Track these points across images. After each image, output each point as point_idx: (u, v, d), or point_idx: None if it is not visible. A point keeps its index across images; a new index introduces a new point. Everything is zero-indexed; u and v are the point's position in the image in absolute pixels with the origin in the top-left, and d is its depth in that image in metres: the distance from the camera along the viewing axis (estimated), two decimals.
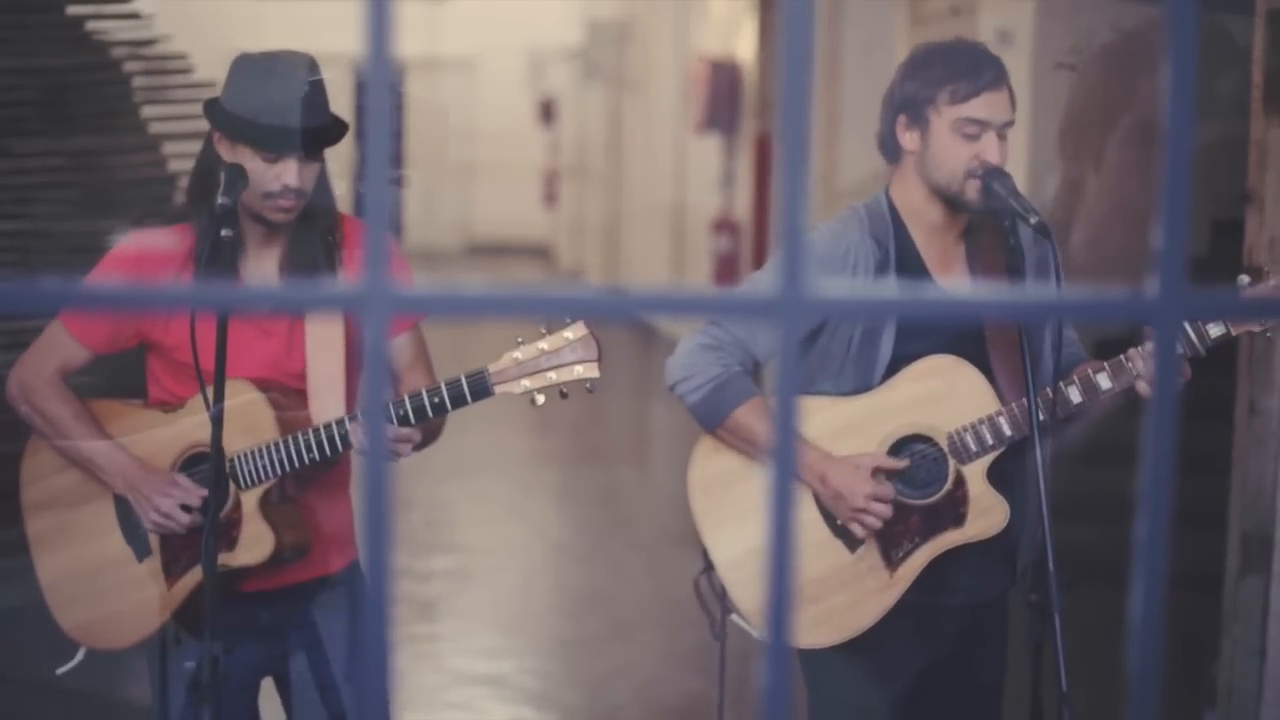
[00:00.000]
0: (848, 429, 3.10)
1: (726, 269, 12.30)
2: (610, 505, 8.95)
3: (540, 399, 2.94)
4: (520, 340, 2.94)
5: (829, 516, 3.11)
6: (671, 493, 9.07)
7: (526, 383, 2.92)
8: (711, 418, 3.14)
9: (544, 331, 2.94)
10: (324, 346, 3.08)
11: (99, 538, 3.16)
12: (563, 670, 6.12)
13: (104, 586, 3.17)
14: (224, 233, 2.91)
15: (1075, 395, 3.04)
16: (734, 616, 3.15)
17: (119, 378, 3.26)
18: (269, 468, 3.03)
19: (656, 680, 5.88)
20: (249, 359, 3.06)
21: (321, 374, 3.08)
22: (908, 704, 3.24)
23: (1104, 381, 3.03)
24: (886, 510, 3.04)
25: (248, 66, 3.03)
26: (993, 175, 3.03)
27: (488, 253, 22.14)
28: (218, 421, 2.89)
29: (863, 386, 3.10)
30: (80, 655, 3.19)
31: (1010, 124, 3.07)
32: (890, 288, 3.06)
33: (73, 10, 5.58)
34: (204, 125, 3.07)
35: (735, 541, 3.16)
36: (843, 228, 3.13)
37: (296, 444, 3.02)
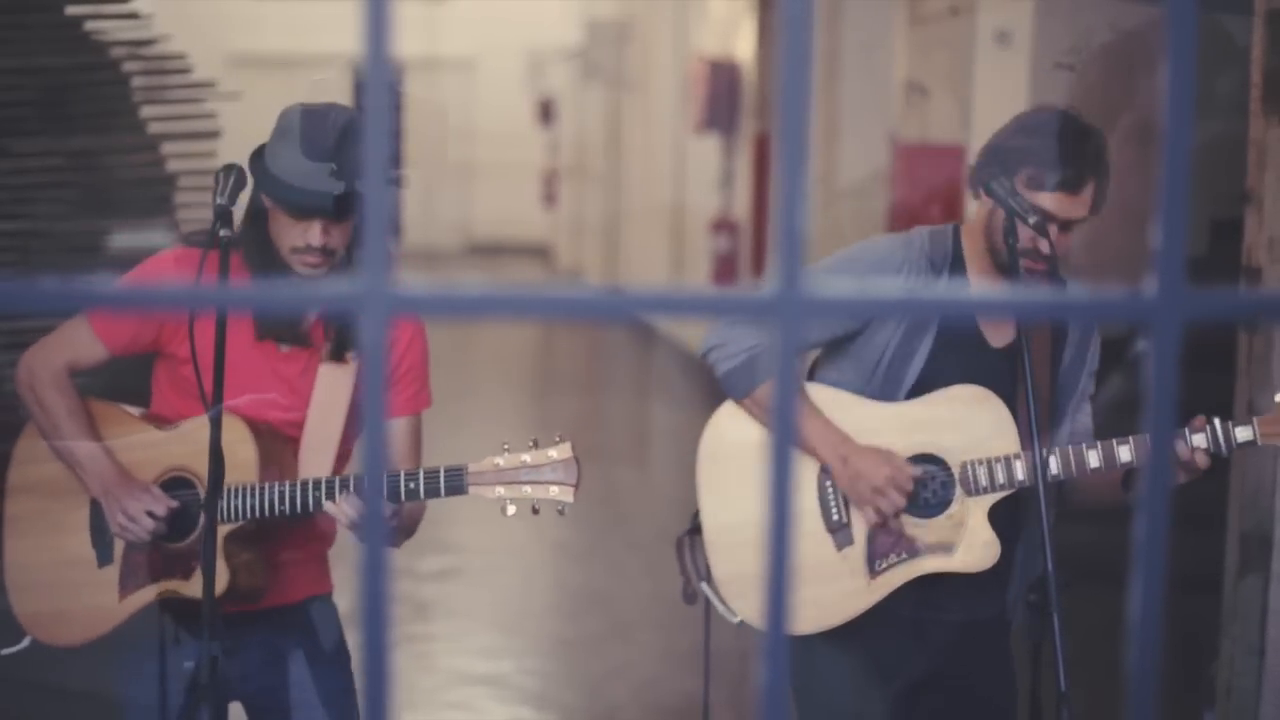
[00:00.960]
0: (867, 431, 3.10)
1: (726, 269, 12.30)
2: (609, 505, 8.94)
3: (511, 509, 2.95)
4: (506, 447, 2.96)
5: (826, 509, 3.12)
6: (671, 492, 9.06)
7: (501, 490, 2.94)
8: (742, 385, 3.14)
9: (532, 444, 2.96)
10: (328, 404, 3.10)
11: (68, 534, 3.18)
12: (562, 670, 6.12)
13: (61, 582, 3.18)
14: (222, 233, 2.92)
15: (1094, 460, 3.03)
16: (704, 585, 3.16)
17: (121, 381, 3.27)
18: (240, 510, 3.02)
19: (655, 680, 5.88)
20: (253, 389, 3.07)
21: (318, 430, 3.09)
22: (904, 716, 3.23)
23: (1124, 454, 3.02)
24: (902, 500, 3.05)
25: (288, 123, 3.03)
26: (992, 175, 3.05)
27: (487, 253, 22.14)
28: (216, 423, 2.89)
29: (885, 401, 3.12)
30: (26, 642, 3.20)
31: (1080, 220, 3.06)
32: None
33: (71, 10, 5.57)
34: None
35: (727, 510, 3.17)
36: (904, 242, 3.16)
37: (272, 494, 3.01)
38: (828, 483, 3.13)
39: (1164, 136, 1.08)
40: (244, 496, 3.02)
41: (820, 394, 3.14)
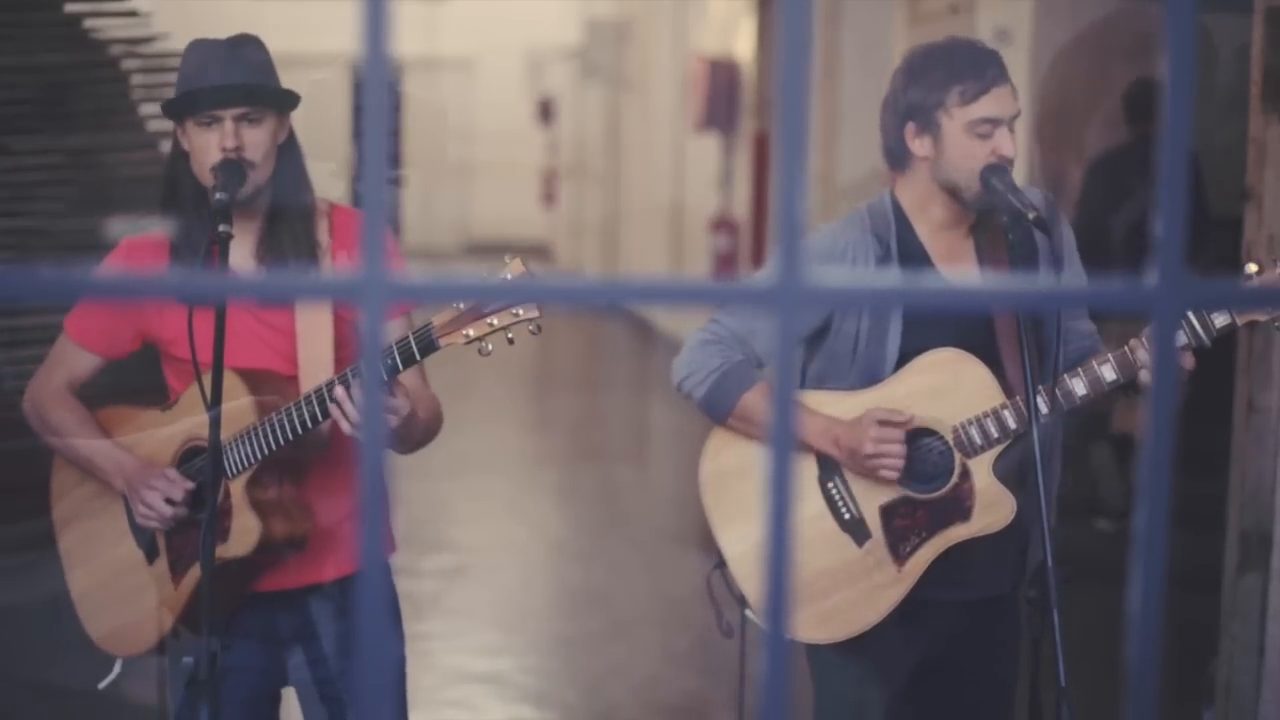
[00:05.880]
0: None
1: (725, 268, 12.30)
2: (609, 504, 8.95)
3: (489, 347, 2.86)
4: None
5: (836, 510, 3.11)
6: (671, 491, 9.06)
7: (470, 331, 2.85)
8: (719, 408, 3.14)
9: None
10: (313, 332, 3.07)
11: (115, 545, 3.18)
12: (561, 668, 6.12)
13: (123, 593, 3.17)
14: (221, 228, 2.88)
15: (1080, 388, 3.02)
16: (748, 613, 3.15)
17: (128, 382, 3.27)
18: (251, 453, 2.99)
19: (655, 679, 5.88)
20: (242, 347, 3.04)
21: (311, 359, 3.05)
22: (916, 698, 3.23)
23: (1108, 373, 3.00)
24: (899, 449, 3.02)
25: (188, 48, 3.06)
26: (991, 172, 3.03)
27: (486, 252, 22.11)
28: (216, 422, 2.87)
29: (870, 384, 3.10)
30: (118, 667, 3.19)
31: (1018, 115, 3.08)
32: (891, 278, 3.06)
33: (71, 8, 5.57)
34: None
35: (746, 536, 3.15)
36: (842, 226, 3.14)
37: (274, 423, 2.97)
38: (829, 484, 3.12)
39: (1164, 134, 1.08)
40: (251, 437, 2.99)
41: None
